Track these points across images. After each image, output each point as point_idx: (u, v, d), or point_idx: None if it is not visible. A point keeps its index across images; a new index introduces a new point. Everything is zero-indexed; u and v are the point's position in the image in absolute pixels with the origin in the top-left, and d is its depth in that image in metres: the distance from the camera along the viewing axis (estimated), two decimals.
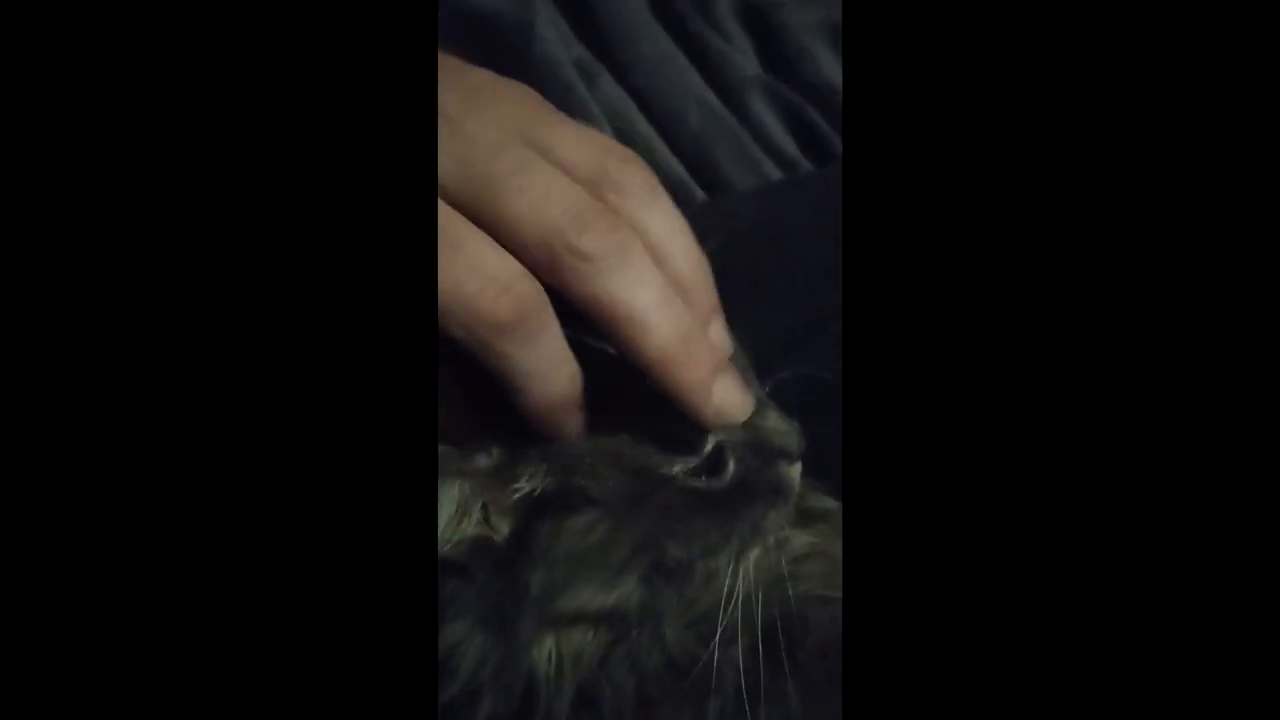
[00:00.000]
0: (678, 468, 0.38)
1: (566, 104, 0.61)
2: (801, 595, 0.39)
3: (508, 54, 0.61)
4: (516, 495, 0.37)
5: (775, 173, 0.63)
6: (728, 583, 0.38)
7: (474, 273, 0.32)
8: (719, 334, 0.37)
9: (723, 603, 0.38)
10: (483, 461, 0.37)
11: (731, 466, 0.39)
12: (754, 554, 0.39)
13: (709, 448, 0.38)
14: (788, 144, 0.64)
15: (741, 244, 0.51)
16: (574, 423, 0.36)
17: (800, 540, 0.42)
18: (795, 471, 0.40)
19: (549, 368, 0.34)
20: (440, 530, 0.35)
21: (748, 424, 0.38)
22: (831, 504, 0.44)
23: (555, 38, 0.62)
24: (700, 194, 0.62)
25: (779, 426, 0.40)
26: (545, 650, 0.38)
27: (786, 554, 0.40)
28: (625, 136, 0.62)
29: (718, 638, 0.38)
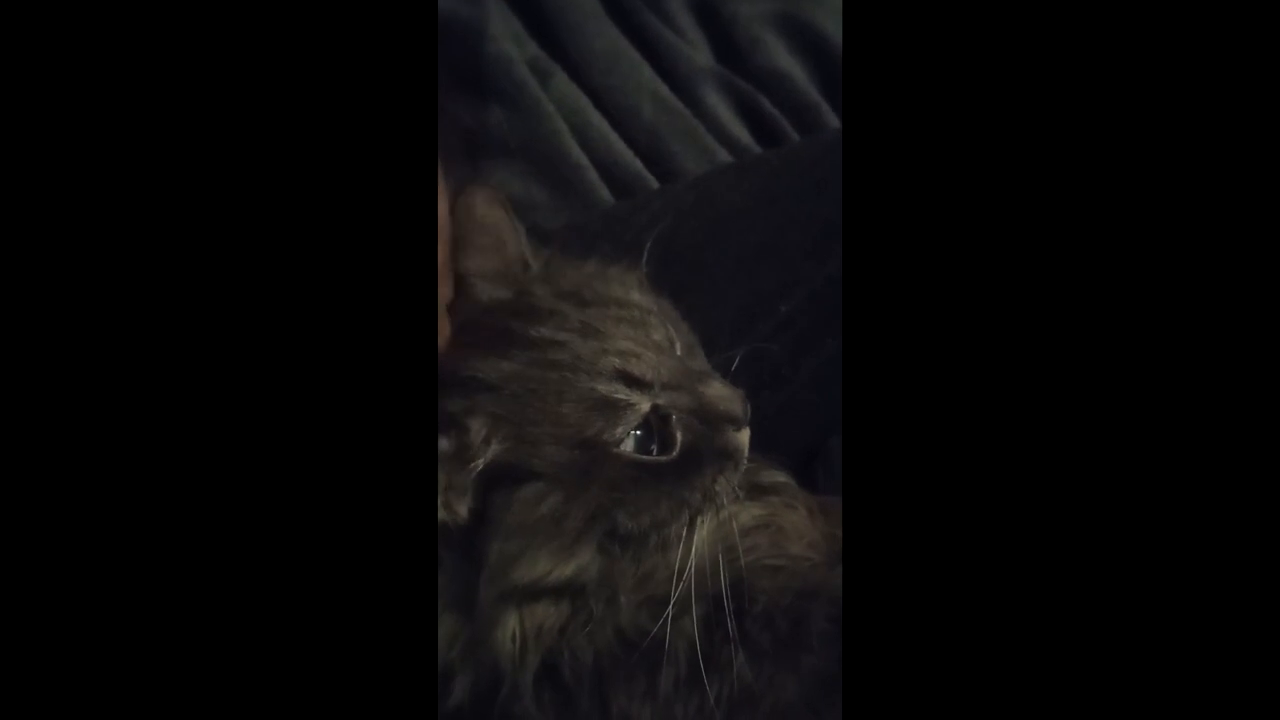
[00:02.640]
0: (620, 430, 0.39)
1: (519, 103, 0.62)
2: (750, 565, 0.40)
3: (460, 55, 0.62)
4: (474, 473, 0.39)
5: (729, 161, 0.64)
6: (680, 554, 0.40)
7: None
8: None
9: (676, 574, 0.39)
10: (443, 445, 0.38)
11: (680, 438, 0.40)
12: (706, 524, 0.41)
13: (645, 408, 0.40)
14: (741, 132, 0.65)
15: (685, 227, 0.53)
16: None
17: (749, 513, 0.43)
18: (744, 437, 0.42)
19: None
20: None
21: (693, 392, 0.40)
22: (781, 477, 0.45)
23: (508, 37, 0.63)
24: (656, 185, 0.63)
25: (723, 393, 0.41)
26: (509, 629, 0.39)
27: (738, 526, 0.42)
28: (580, 131, 0.63)
29: (670, 608, 0.39)
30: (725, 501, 0.41)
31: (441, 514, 0.38)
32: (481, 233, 0.45)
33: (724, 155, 0.64)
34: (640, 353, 0.40)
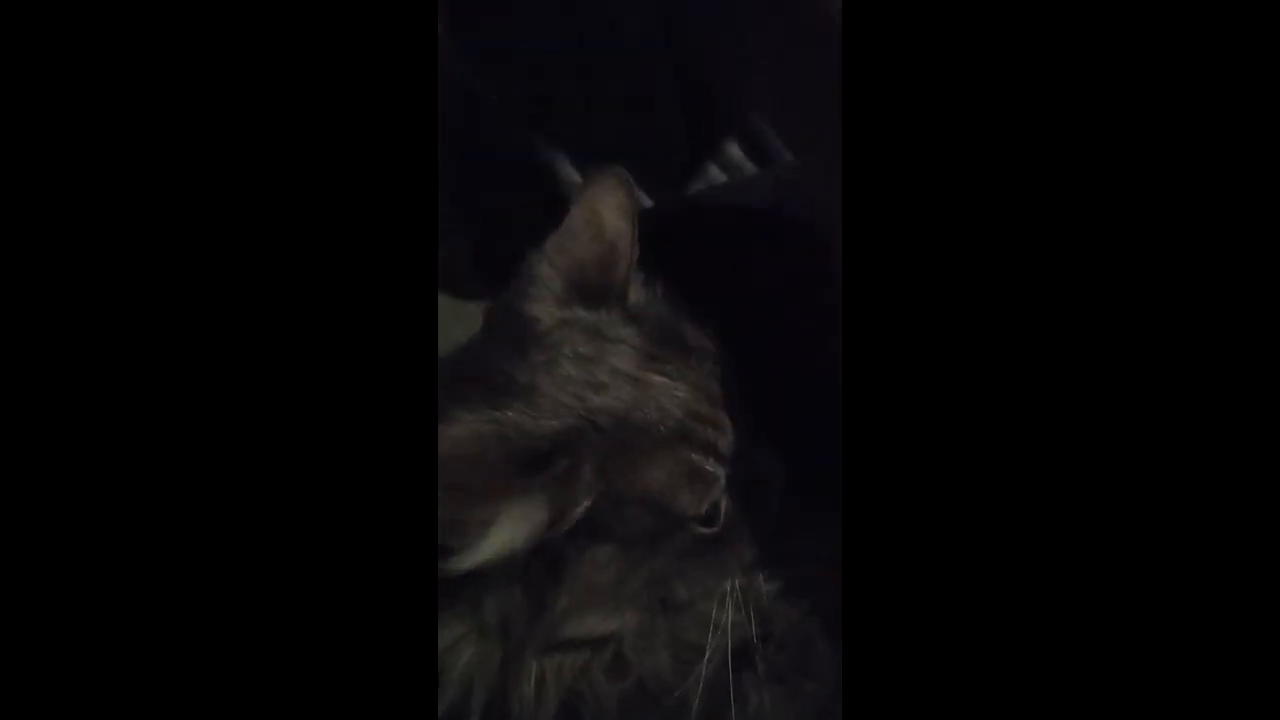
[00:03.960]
0: (705, 505, 0.38)
1: None
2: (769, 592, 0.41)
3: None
4: (564, 523, 0.37)
5: (720, 177, 0.63)
6: (715, 614, 0.39)
7: None
8: None
9: (710, 634, 0.39)
10: (558, 469, 0.36)
11: (724, 509, 0.39)
12: (738, 589, 0.40)
13: (723, 483, 0.39)
14: (732, 150, 0.64)
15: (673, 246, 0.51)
16: None
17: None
18: (775, 511, 0.42)
19: None
20: (503, 539, 0.35)
21: (746, 464, 0.40)
22: None
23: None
24: (648, 201, 0.62)
25: (770, 468, 0.41)
26: (534, 672, 0.39)
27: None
28: None
29: (704, 666, 0.38)
30: (755, 572, 0.41)
31: (500, 543, 0.36)
32: (595, 236, 0.42)
33: (715, 171, 0.63)
34: (725, 425, 0.39)
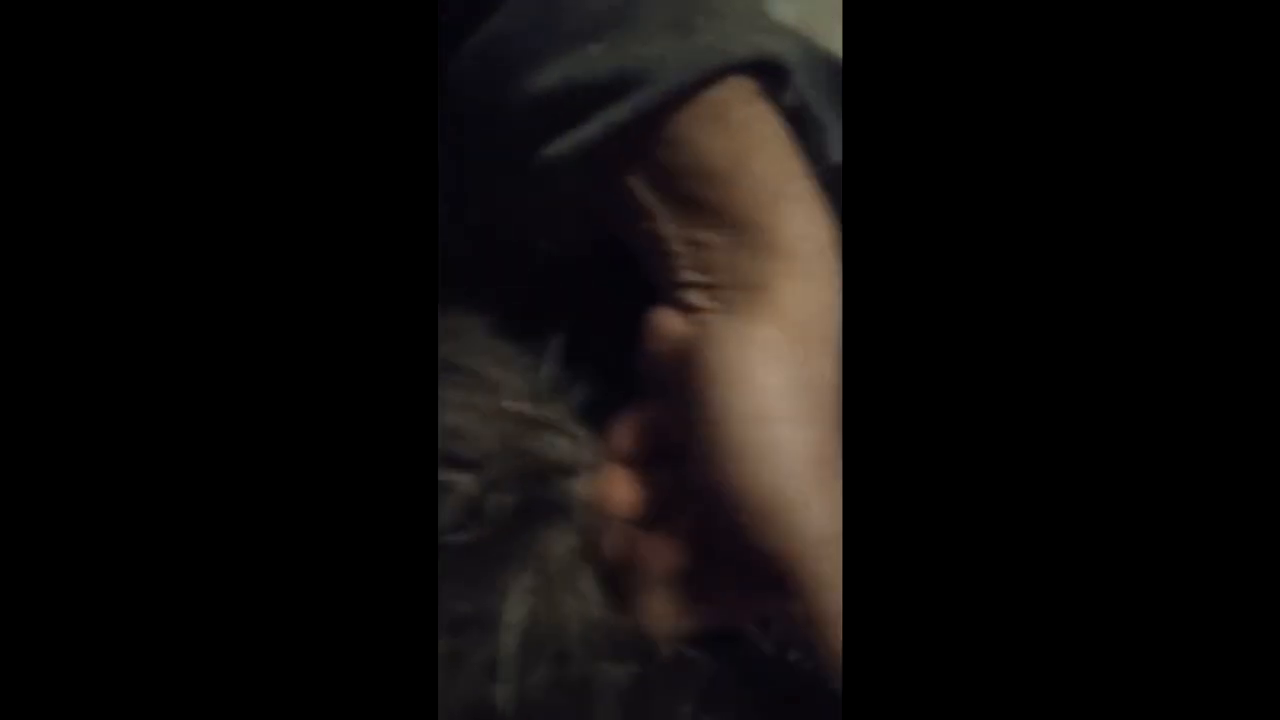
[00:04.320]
0: (446, 518, 0.36)
1: None
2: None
3: None
4: None
5: None
6: (513, 626, 0.36)
7: None
8: None
9: (511, 651, 0.36)
10: None
11: (500, 505, 0.37)
12: (544, 587, 0.37)
13: (472, 490, 0.37)
14: None
15: None
16: None
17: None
18: (583, 485, 0.38)
19: None
20: None
21: (519, 451, 0.37)
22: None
23: None
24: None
25: (551, 444, 0.38)
26: None
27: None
28: None
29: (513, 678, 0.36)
30: (563, 564, 0.37)
31: None
32: None
33: None
34: (466, 426, 0.37)
